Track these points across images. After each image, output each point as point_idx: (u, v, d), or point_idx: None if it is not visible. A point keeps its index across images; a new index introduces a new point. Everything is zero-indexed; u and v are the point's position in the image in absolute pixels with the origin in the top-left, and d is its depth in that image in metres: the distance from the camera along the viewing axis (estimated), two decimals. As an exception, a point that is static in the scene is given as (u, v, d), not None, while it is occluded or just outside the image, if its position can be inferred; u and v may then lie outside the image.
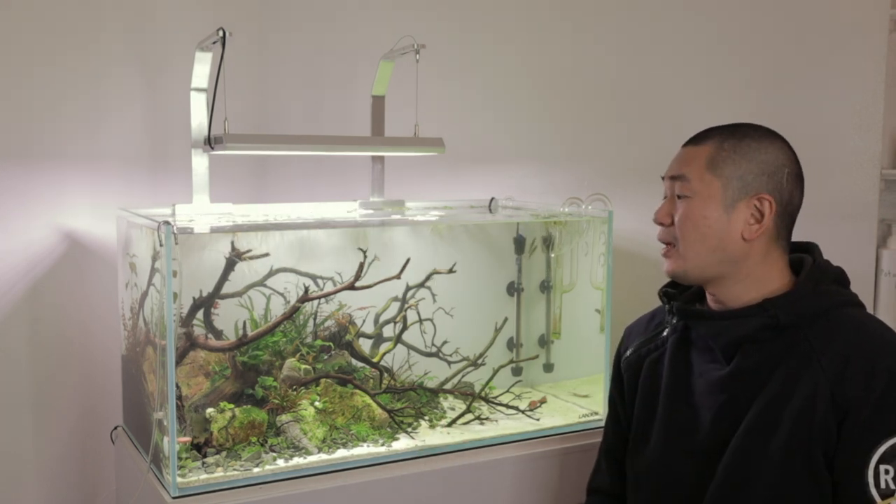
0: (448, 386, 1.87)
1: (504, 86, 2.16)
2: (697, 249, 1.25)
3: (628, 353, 1.44)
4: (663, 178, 1.33)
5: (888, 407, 1.12)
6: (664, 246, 1.31)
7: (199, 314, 1.66)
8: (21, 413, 1.85)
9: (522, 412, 1.85)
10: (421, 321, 1.86)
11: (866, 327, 1.20)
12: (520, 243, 2.05)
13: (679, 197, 1.27)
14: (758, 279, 1.25)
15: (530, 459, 1.68)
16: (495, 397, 1.86)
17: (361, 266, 1.70)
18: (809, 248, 1.31)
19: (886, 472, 1.11)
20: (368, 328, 1.85)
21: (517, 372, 2.05)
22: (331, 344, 1.78)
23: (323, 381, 1.72)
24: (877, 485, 1.12)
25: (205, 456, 1.54)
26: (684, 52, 1.96)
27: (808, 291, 1.22)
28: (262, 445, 1.58)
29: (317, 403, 1.69)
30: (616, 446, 1.47)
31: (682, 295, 1.37)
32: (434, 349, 1.88)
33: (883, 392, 1.12)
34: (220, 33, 1.52)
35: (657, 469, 1.33)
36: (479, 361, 1.88)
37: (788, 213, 1.26)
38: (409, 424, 1.73)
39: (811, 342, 1.19)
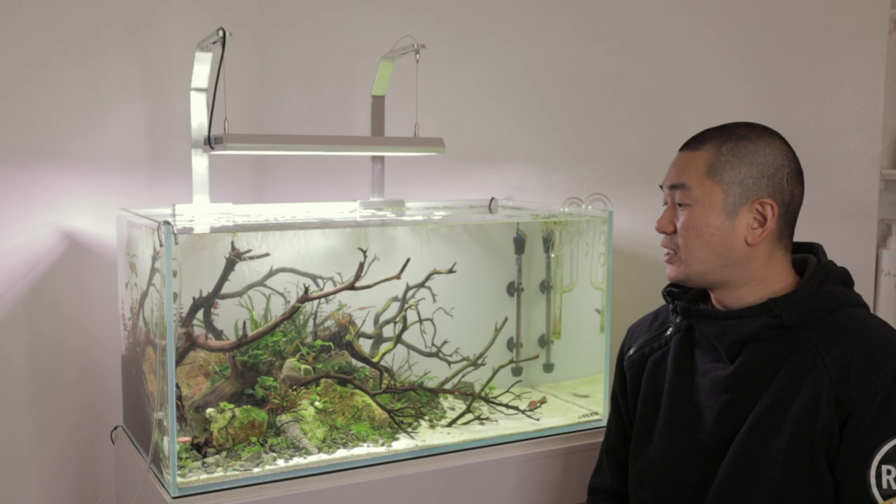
0: (448, 386, 1.87)
1: (504, 86, 2.16)
2: (701, 256, 1.25)
3: (631, 351, 1.44)
4: (661, 187, 1.32)
5: (891, 408, 1.11)
6: (666, 251, 1.31)
7: (199, 314, 1.66)
8: (21, 413, 1.85)
9: (522, 412, 1.85)
10: (421, 321, 1.86)
11: (871, 328, 1.20)
12: (520, 243, 2.05)
13: (680, 205, 1.27)
14: (762, 280, 1.25)
15: (530, 459, 1.68)
16: (495, 397, 1.86)
17: (361, 266, 1.70)
18: (814, 249, 1.31)
19: (889, 472, 1.11)
20: (368, 328, 1.85)
21: (517, 372, 2.05)
22: (331, 344, 1.78)
23: (323, 381, 1.72)
24: (879, 485, 1.11)
25: (205, 456, 1.54)
26: (684, 52, 1.96)
27: (813, 291, 1.22)
28: (262, 445, 1.58)
29: (317, 403, 1.69)
30: (618, 445, 1.47)
31: (685, 294, 1.37)
32: (434, 349, 1.88)
33: (886, 393, 1.12)
34: (220, 33, 1.52)
35: (660, 468, 1.33)
36: (479, 361, 1.88)
37: (790, 212, 1.26)
38: (409, 424, 1.73)
39: (815, 342, 1.18)
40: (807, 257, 1.28)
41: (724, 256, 1.24)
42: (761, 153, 1.23)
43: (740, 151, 1.23)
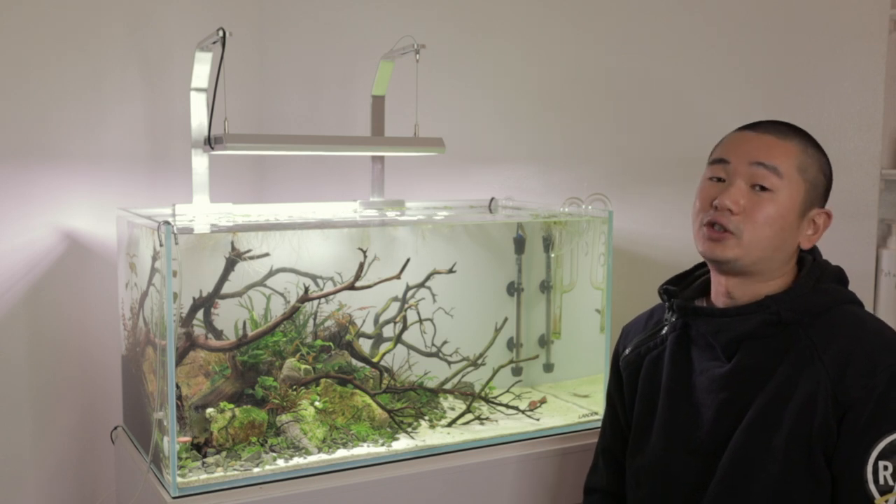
0: (448, 386, 1.87)
1: (504, 86, 2.16)
2: (763, 245, 1.21)
3: (627, 351, 1.44)
4: (722, 161, 1.23)
5: (888, 404, 1.12)
6: (716, 227, 1.21)
7: (199, 314, 1.66)
8: (21, 413, 1.85)
9: (522, 412, 1.85)
10: (421, 321, 1.86)
11: (867, 325, 1.20)
12: (520, 243, 2.05)
13: (760, 188, 1.20)
14: (780, 276, 1.25)
15: (530, 459, 1.68)
16: (495, 397, 1.86)
17: (361, 266, 1.70)
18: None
19: (885, 468, 1.11)
20: (368, 328, 1.85)
21: (517, 372, 2.05)
22: (331, 344, 1.78)
23: (323, 381, 1.72)
24: (875, 481, 1.12)
25: (205, 456, 1.54)
26: (684, 52, 1.96)
27: (809, 289, 1.22)
28: (262, 445, 1.58)
29: (317, 403, 1.69)
30: (614, 445, 1.47)
31: (682, 292, 1.37)
32: (434, 349, 1.88)
33: (883, 390, 1.12)
34: (220, 33, 1.52)
35: (658, 467, 1.33)
36: (479, 361, 1.88)
37: None
38: (409, 424, 1.73)
39: (812, 339, 1.19)
40: (802, 256, 1.29)
41: (779, 251, 1.23)
42: (827, 166, 1.25)
43: (819, 158, 1.24)
